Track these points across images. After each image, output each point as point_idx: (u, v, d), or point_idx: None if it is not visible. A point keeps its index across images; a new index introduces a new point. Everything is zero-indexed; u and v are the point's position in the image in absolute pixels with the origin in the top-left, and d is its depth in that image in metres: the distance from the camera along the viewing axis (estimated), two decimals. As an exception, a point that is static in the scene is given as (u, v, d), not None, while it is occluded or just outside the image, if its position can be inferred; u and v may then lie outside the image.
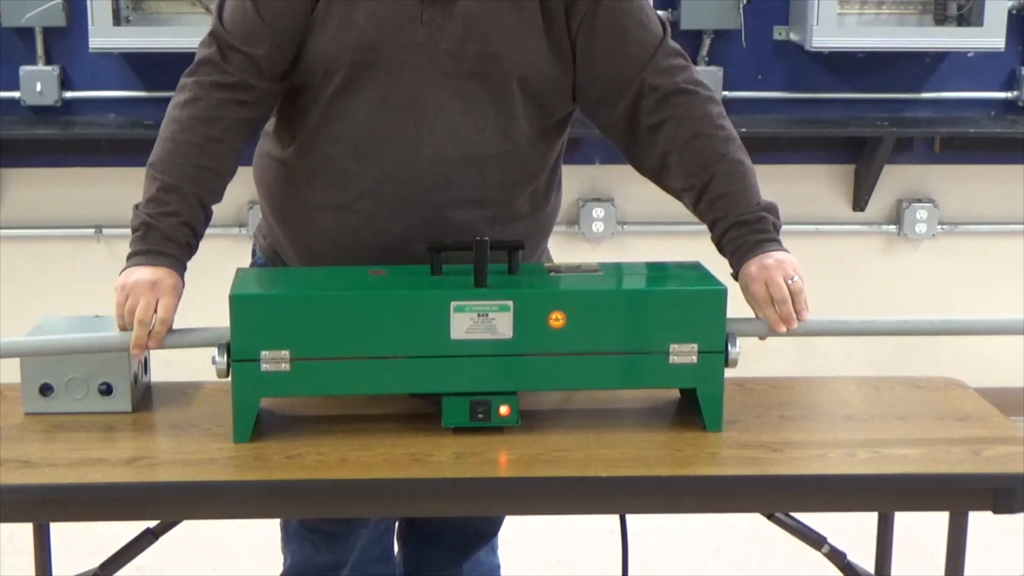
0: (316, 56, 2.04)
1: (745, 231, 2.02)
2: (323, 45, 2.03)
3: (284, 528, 2.47)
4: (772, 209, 2.05)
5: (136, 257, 1.98)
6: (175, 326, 1.98)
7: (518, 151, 2.10)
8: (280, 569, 2.52)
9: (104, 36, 3.80)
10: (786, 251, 2.03)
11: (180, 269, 1.99)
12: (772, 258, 2.00)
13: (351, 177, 2.07)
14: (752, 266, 2.01)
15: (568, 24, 2.07)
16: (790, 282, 1.98)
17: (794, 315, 1.99)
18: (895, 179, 4.31)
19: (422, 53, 2.03)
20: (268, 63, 2.04)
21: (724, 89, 4.09)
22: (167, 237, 1.98)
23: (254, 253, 2.34)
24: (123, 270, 1.98)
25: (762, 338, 2.09)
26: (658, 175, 2.11)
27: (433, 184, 2.07)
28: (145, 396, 2.15)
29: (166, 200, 1.99)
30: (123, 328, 1.97)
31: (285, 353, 1.92)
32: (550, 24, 2.06)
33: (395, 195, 2.07)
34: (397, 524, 2.56)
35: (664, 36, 2.09)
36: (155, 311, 1.94)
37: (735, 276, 2.05)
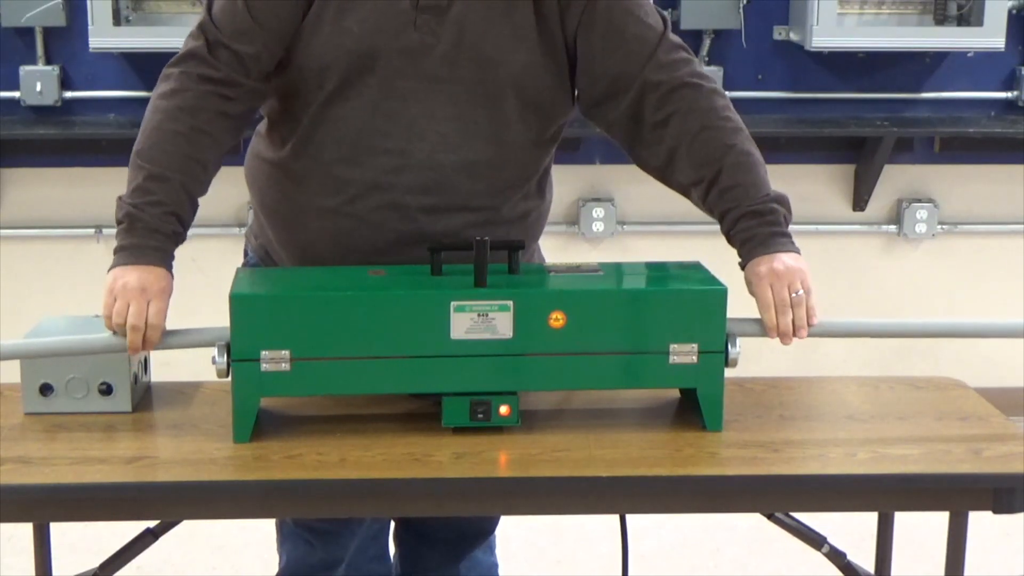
0: (309, 61, 2.03)
1: (756, 222, 2.01)
2: (316, 50, 2.02)
3: (279, 527, 2.46)
4: (782, 200, 2.04)
5: (122, 253, 1.96)
6: (171, 326, 1.97)
7: (509, 157, 2.10)
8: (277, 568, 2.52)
9: (104, 36, 3.80)
10: (796, 250, 2.01)
11: (167, 262, 1.97)
12: (783, 263, 1.98)
13: (342, 182, 2.07)
14: (762, 266, 1.99)
15: (564, 28, 2.06)
16: (794, 295, 1.98)
17: (790, 329, 1.98)
18: (895, 179, 4.31)
19: (415, 59, 2.02)
20: (255, 62, 2.02)
21: (724, 89, 4.07)
22: (152, 228, 1.95)
23: (246, 253, 2.33)
24: (111, 268, 1.96)
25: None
26: (665, 172, 2.10)
27: (424, 189, 2.06)
28: (145, 396, 2.15)
29: (151, 189, 1.96)
30: (109, 329, 1.95)
31: (285, 353, 1.92)
32: (544, 29, 2.05)
33: (385, 200, 2.06)
34: (392, 523, 2.55)
35: (664, 31, 2.08)
36: (146, 316, 1.93)
37: (743, 267, 2.03)
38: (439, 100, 2.04)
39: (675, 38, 2.09)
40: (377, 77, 2.03)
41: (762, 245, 2.00)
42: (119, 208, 1.98)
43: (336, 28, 2.02)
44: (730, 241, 2.05)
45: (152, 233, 1.96)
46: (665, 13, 2.12)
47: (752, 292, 2.01)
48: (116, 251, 1.97)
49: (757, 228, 2.01)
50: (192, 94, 2.00)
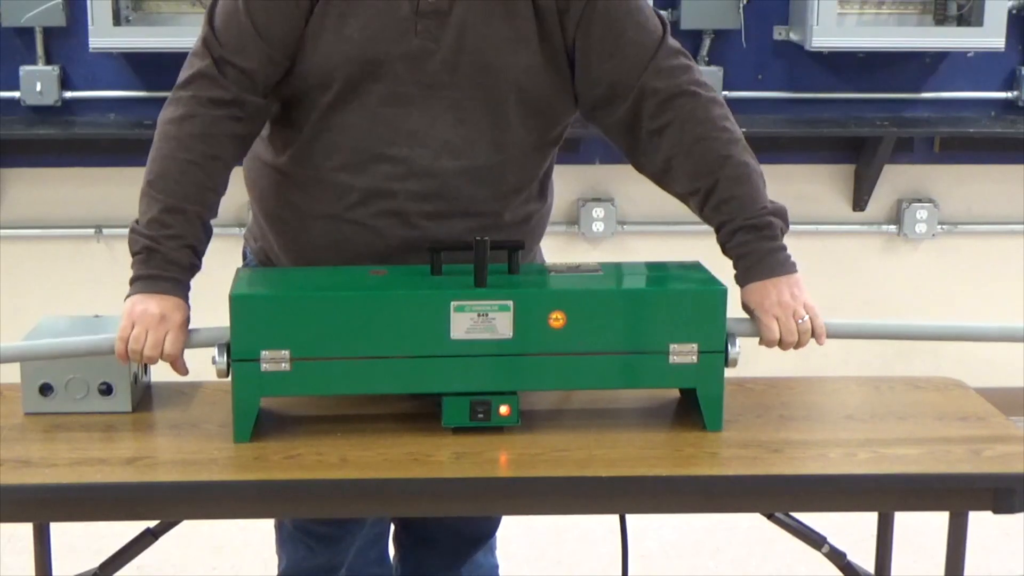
0: (311, 69, 2.02)
1: (753, 236, 2.01)
2: (318, 58, 2.01)
3: (278, 530, 2.46)
4: (780, 213, 2.03)
5: (138, 283, 1.95)
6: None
7: (511, 162, 2.09)
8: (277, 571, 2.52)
9: (104, 36, 3.80)
10: (793, 268, 2.02)
11: (184, 292, 1.97)
12: (786, 294, 1.99)
13: (344, 188, 2.06)
14: (766, 299, 1.99)
15: (563, 31, 2.05)
16: (799, 321, 1.99)
17: (792, 347, 2.00)
18: (895, 179, 4.31)
19: (416, 65, 2.01)
20: (262, 77, 2.01)
21: (724, 89, 4.09)
22: (170, 261, 1.95)
23: (245, 255, 2.33)
24: (127, 296, 1.95)
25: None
26: (661, 178, 2.10)
27: (426, 196, 2.05)
28: (145, 396, 2.15)
29: (169, 222, 1.95)
30: (121, 355, 1.94)
31: (285, 353, 1.92)
32: (545, 32, 2.04)
33: (388, 207, 2.06)
34: (392, 527, 2.55)
35: (664, 36, 2.07)
36: (163, 346, 1.93)
37: (739, 282, 2.03)
38: (441, 106, 2.03)
39: (674, 43, 2.08)
40: (379, 84, 2.02)
41: (760, 264, 2.01)
42: (134, 241, 1.97)
43: (337, 36, 2.00)
44: (726, 253, 2.05)
45: (169, 265, 1.95)
46: (665, 17, 2.11)
47: (753, 316, 2.01)
48: (132, 281, 1.96)
49: (755, 243, 2.01)
50: (202, 120, 1.99)
